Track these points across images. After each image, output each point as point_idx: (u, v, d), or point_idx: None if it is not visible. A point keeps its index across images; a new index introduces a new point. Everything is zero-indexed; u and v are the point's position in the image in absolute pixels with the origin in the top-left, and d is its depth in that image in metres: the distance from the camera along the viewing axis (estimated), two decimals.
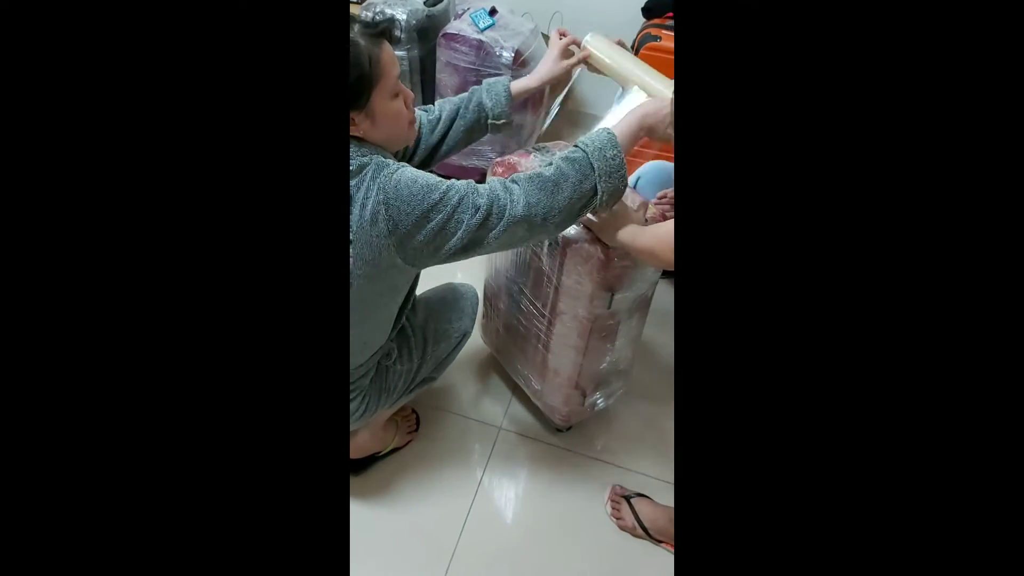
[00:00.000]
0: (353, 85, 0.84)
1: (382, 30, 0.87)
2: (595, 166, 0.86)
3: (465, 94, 1.12)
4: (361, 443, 1.30)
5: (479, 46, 1.90)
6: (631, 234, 0.96)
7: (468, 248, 0.88)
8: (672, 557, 1.22)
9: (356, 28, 0.86)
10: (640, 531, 1.25)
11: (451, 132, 1.12)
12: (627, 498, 1.29)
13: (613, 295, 1.11)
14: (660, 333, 1.71)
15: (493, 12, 1.96)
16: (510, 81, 1.12)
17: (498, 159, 1.19)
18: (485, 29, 1.92)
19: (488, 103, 1.10)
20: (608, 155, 0.87)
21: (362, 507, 1.29)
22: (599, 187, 0.87)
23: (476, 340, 1.62)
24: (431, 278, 1.26)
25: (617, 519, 1.28)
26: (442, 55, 1.97)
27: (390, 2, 1.95)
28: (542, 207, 0.86)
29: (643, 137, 0.95)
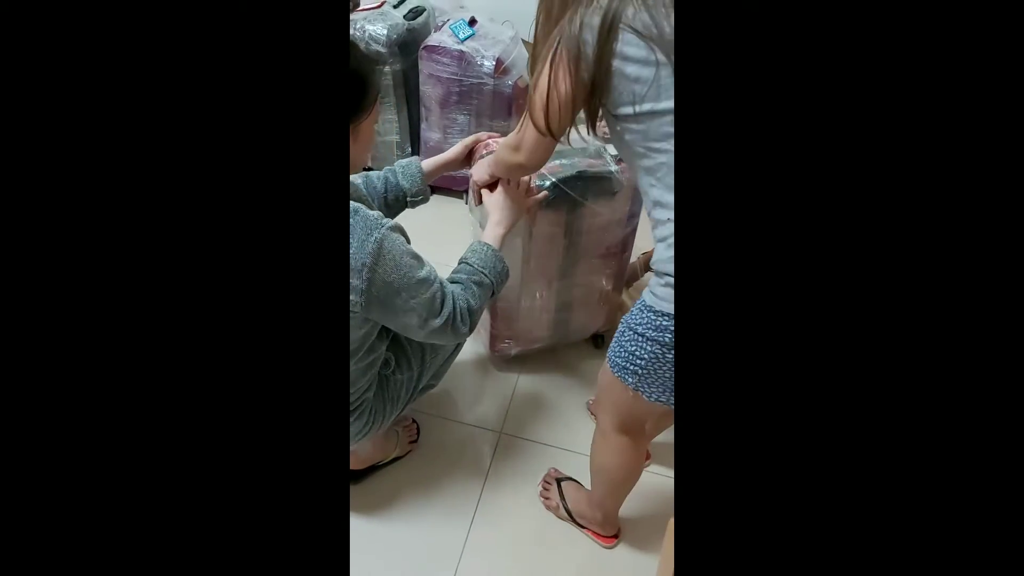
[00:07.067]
0: (360, 103, 0.88)
1: (378, 60, 0.93)
2: (494, 284, 1.10)
3: (382, 172, 1.25)
4: (362, 453, 1.30)
5: (460, 56, 1.91)
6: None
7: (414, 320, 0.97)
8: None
9: (357, 55, 0.88)
10: (563, 512, 1.29)
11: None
12: (559, 480, 1.33)
13: None
14: None
15: (473, 22, 1.97)
16: (420, 162, 1.27)
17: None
18: (465, 39, 1.93)
19: (406, 185, 1.24)
20: (499, 268, 1.10)
21: (366, 517, 1.28)
22: (496, 292, 1.12)
23: (471, 347, 1.62)
24: None
25: (545, 499, 1.33)
26: (424, 67, 1.99)
27: (370, 18, 1.97)
28: (476, 307, 1.06)
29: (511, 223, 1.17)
